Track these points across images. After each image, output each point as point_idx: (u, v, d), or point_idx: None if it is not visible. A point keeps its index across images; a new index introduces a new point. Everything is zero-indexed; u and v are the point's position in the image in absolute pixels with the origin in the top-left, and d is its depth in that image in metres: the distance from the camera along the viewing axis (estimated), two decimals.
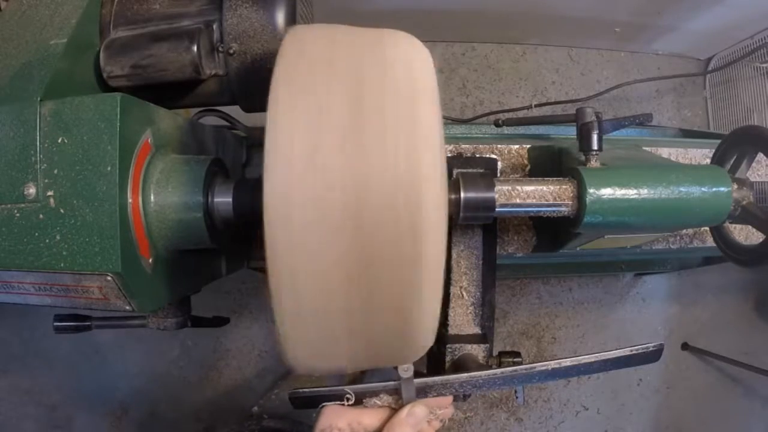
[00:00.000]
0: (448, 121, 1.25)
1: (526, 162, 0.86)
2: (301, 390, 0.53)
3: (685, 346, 1.80)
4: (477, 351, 0.70)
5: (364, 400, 0.52)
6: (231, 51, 0.66)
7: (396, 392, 0.52)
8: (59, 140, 0.52)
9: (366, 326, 0.42)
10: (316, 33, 0.45)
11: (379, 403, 0.52)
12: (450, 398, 0.54)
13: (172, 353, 1.64)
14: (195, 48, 0.62)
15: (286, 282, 0.39)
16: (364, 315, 0.41)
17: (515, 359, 0.70)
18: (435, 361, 0.72)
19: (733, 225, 0.81)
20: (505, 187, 0.60)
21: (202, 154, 0.71)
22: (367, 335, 0.43)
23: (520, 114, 1.23)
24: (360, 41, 0.45)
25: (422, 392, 0.53)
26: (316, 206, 0.37)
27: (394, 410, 0.51)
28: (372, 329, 0.42)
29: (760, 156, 0.69)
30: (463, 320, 0.73)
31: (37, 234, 0.52)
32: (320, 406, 0.51)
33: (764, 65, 1.53)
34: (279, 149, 0.38)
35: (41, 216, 0.52)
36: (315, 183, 0.37)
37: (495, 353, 0.72)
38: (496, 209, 0.59)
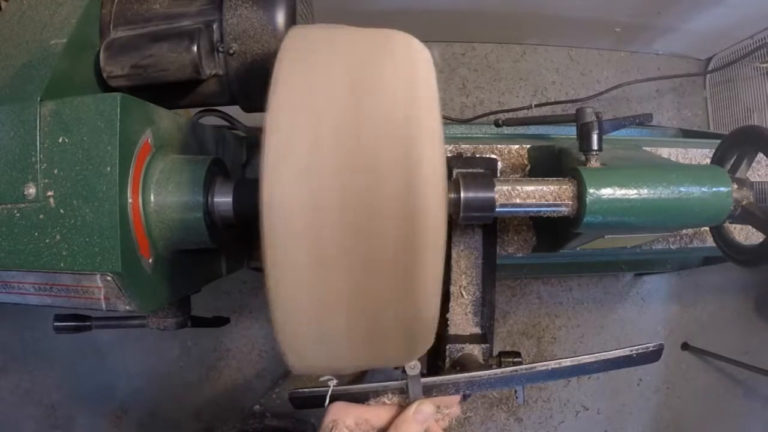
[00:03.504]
0: (448, 121, 1.25)
1: (526, 162, 0.86)
2: (300, 390, 0.53)
3: (685, 346, 1.80)
4: (477, 351, 0.70)
5: (370, 399, 0.52)
6: (231, 51, 0.66)
7: (402, 392, 0.52)
8: (59, 140, 0.52)
9: (365, 326, 0.42)
10: (316, 33, 0.45)
11: (386, 401, 0.52)
12: (457, 397, 0.54)
13: (172, 353, 1.64)
14: (195, 48, 0.62)
15: (284, 281, 0.39)
16: (363, 315, 0.41)
17: (515, 359, 0.70)
18: (435, 361, 0.72)
19: (733, 225, 0.81)
20: (505, 187, 0.60)
21: (202, 154, 0.71)
22: (365, 335, 0.43)
23: (520, 114, 1.24)
24: (359, 41, 0.45)
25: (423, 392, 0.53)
26: (314, 206, 0.37)
27: (402, 408, 0.51)
28: (371, 329, 0.42)
29: (760, 156, 0.69)
30: (463, 320, 0.73)
31: (37, 234, 0.52)
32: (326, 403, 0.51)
33: (764, 65, 1.53)
34: (278, 149, 0.38)
35: (41, 216, 0.52)
36: (313, 182, 0.37)
37: (495, 353, 0.72)
38: (496, 209, 0.59)
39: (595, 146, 0.67)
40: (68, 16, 0.63)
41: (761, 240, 0.66)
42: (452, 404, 0.54)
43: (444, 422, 0.53)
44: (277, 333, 0.42)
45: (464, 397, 0.59)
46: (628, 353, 0.54)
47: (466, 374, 0.53)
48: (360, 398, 0.52)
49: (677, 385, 1.80)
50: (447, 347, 0.70)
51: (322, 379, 0.51)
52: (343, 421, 0.48)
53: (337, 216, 0.38)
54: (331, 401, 0.51)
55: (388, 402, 0.52)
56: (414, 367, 0.49)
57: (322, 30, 0.46)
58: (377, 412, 0.50)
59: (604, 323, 1.79)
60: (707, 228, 0.86)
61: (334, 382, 0.51)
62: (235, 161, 0.85)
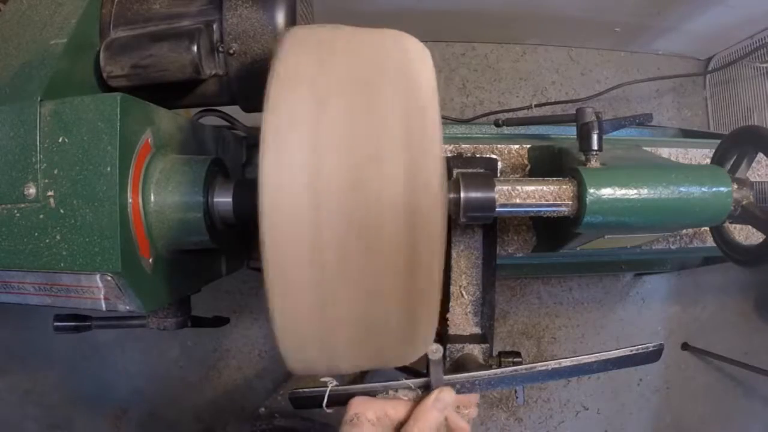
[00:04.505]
0: (448, 121, 1.25)
1: (526, 162, 0.86)
2: (300, 390, 0.53)
3: (685, 346, 1.80)
4: (477, 351, 0.70)
5: (386, 394, 0.52)
6: (231, 51, 0.66)
7: (417, 389, 0.52)
8: (59, 140, 0.52)
9: (364, 327, 0.42)
10: (315, 34, 0.45)
11: (404, 398, 0.52)
12: (476, 396, 0.54)
13: (172, 353, 1.64)
14: (195, 48, 0.62)
15: (281, 283, 0.39)
16: (362, 315, 0.41)
17: (515, 359, 0.70)
18: None
19: (733, 225, 0.81)
20: (505, 187, 0.60)
21: (202, 154, 0.71)
22: (365, 336, 0.43)
23: (520, 114, 1.23)
24: (359, 42, 0.44)
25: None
26: (313, 207, 0.37)
27: (420, 400, 0.51)
28: (370, 329, 0.42)
29: (760, 156, 0.69)
30: (463, 320, 0.73)
31: (37, 234, 0.52)
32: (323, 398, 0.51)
33: (764, 65, 1.53)
34: (276, 148, 0.38)
35: (41, 216, 0.52)
36: (312, 183, 0.37)
37: (495, 353, 0.72)
38: (496, 209, 0.59)
39: (595, 146, 0.67)
40: (68, 16, 0.63)
41: (761, 240, 0.66)
42: (471, 404, 0.54)
43: (464, 423, 0.53)
44: (276, 334, 0.41)
45: None
46: (628, 353, 0.54)
47: (466, 374, 0.53)
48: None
49: (677, 385, 1.80)
50: (447, 347, 0.70)
51: (322, 379, 0.51)
52: (364, 415, 0.49)
53: (336, 216, 0.38)
54: (330, 401, 0.51)
55: (405, 398, 0.52)
56: (436, 351, 0.49)
57: (322, 30, 0.46)
58: (396, 406, 0.50)
59: (604, 323, 1.79)
60: (707, 228, 0.86)
61: (334, 383, 0.51)
62: (235, 161, 0.85)
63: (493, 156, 0.85)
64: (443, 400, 0.50)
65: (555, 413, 1.76)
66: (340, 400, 0.51)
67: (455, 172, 0.64)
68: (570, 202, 0.61)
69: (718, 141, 0.73)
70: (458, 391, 0.53)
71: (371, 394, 0.52)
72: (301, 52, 0.42)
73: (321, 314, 0.40)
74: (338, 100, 0.39)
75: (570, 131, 0.95)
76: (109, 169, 0.51)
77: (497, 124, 1.05)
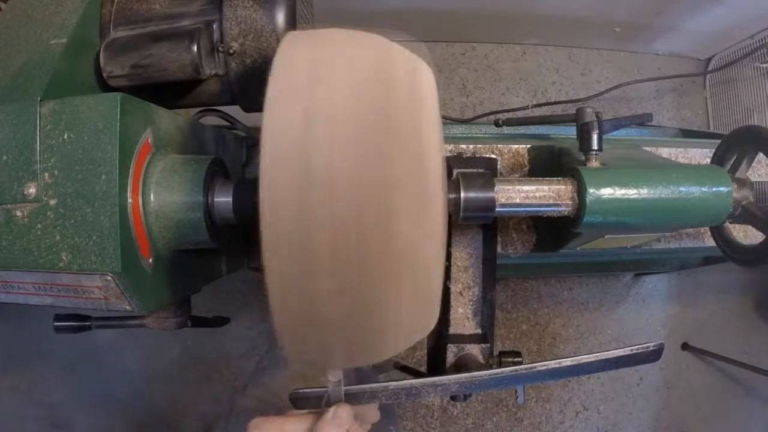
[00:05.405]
0: (448, 121, 1.25)
1: (525, 162, 0.86)
2: (301, 390, 0.53)
3: (685, 346, 1.80)
4: (477, 351, 0.70)
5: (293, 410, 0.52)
6: (231, 51, 0.66)
7: (373, 395, 0.52)
8: (59, 140, 0.52)
9: (364, 324, 0.42)
10: (313, 38, 0.45)
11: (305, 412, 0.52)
12: (374, 407, 0.55)
13: (172, 353, 1.64)
14: (195, 48, 0.62)
15: (281, 278, 0.39)
16: (362, 313, 0.41)
17: (515, 359, 0.70)
18: (435, 361, 0.72)
19: (733, 225, 0.81)
20: (505, 187, 0.60)
21: (202, 154, 0.71)
22: (363, 333, 0.43)
23: (520, 114, 1.23)
24: (359, 43, 0.45)
25: (421, 392, 0.53)
26: (314, 206, 0.37)
27: (320, 415, 0.52)
28: (370, 327, 0.42)
29: (760, 156, 0.69)
30: (463, 320, 0.73)
31: (37, 234, 0.52)
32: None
33: (764, 65, 1.54)
34: (276, 149, 0.38)
35: (41, 216, 0.52)
36: (314, 182, 0.37)
37: (495, 353, 0.72)
38: (496, 209, 0.59)
39: (595, 146, 0.67)
40: (68, 16, 0.63)
41: (761, 240, 0.66)
42: (370, 415, 0.55)
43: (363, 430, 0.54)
44: (276, 329, 0.42)
45: (464, 397, 0.59)
46: (628, 353, 0.54)
47: (466, 374, 0.53)
48: (359, 398, 0.52)
49: (677, 385, 1.80)
50: (447, 347, 0.70)
51: (321, 379, 0.51)
52: None
53: (338, 216, 0.38)
54: (329, 401, 0.51)
55: (307, 412, 0.52)
56: (336, 375, 0.50)
57: (319, 35, 0.46)
58: (295, 423, 0.51)
59: (604, 323, 1.79)
60: (707, 228, 0.86)
61: (335, 380, 0.51)
62: (235, 161, 0.85)
63: (493, 156, 0.85)
64: (341, 416, 0.50)
65: (555, 413, 1.76)
66: (340, 399, 0.51)
67: (455, 171, 0.64)
68: (570, 202, 0.61)
69: (718, 141, 0.73)
70: (455, 392, 0.53)
71: (370, 394, 0.52)
72: (300, 60, 0.42)
73: (319, 305, 0.40)
74: (339, 105, 0.39)
75: (570, 131, 0.95)
76: (109, 168, 0.51)
77: (497, 124, 1.05)
